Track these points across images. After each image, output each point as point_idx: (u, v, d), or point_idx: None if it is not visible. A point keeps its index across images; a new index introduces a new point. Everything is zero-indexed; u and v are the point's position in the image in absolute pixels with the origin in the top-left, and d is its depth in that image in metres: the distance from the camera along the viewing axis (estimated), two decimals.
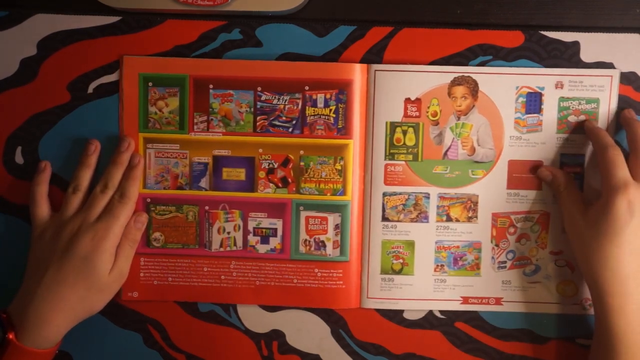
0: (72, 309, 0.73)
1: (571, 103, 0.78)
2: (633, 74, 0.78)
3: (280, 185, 0.79)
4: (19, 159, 0.80)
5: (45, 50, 0.79)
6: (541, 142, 0.78)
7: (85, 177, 0.77)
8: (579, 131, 0.78)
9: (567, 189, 0.76)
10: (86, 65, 0.79)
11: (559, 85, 0.78)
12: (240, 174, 0.79)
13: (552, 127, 0.78)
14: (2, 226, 0.80)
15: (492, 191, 0.79)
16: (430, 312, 0.81)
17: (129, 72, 0.78)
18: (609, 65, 0.78)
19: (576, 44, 0.78)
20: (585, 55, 0.78)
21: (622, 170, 0.71)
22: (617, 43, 0.78)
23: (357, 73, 0.78)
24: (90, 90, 0.79)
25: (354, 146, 0.78)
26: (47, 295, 0.72)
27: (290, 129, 0.78)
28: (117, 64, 0.79)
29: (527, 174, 0.79)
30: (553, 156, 0.78)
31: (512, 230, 0.79)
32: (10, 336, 0.70)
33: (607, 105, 0.78)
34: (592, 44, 0.78)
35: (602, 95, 0.78)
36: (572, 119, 0.78)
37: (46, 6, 0.79)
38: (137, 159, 0.77)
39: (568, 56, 0.78)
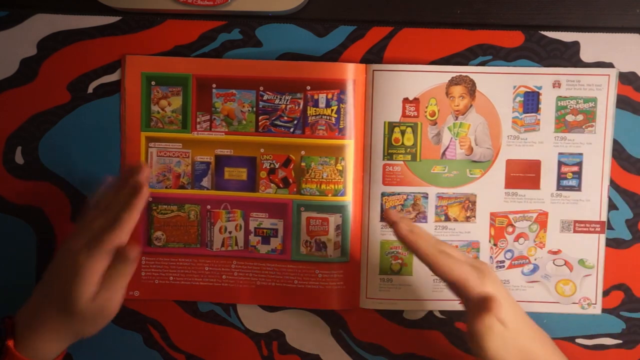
0: (56, 330, 0.72)
1: (569, 102, 0.82)
2: (633, 73, 0.82)
3: (281, 185, 0.83)
4: (19, 159, 0.84)
5: (45, 50, 0.83)
6: (539, 141, 0.82)
7: (128, 217, 0.71)
8: (576, 130, 0.82)
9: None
10: (86, 65, 0.83)
11: (556, 85, 0.82)
12: (242, 173, 0.83)
13: (549, 126, 0.82)
14: (1, 226, 0.84)
15: (490, 191, 0.83)
16: (430, 312, 0.84)
17: (131, 71, 0.83)
18: (609, 65, 0.82)
19: (576, 44, 0.82)
20: (585, 55, 0.82)
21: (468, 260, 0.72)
22: (617, 43, 0.82)
23: (356, 73, 0.81)
24: (90, 90, 0.83)
25: (353, 146, 0.82)
26: (36, 311, 0.73)
27: (291, 129, 0.82)
28: (117, 64, 0.83)
29: (525, 174, 0.82)
30: (550, 155, 0.82)
31: (510, 229, 0.83)
32: (9, 343, 0.71)
33: (604, 104, 0.82)
34: (592, 44, 0.82)
35: (599, 94, 0.82)
36: (569, 118, 0.82)
37: (46, 6, 0.83)
38: (142, 187, 0.73)
39: (568, 56, 0.82)
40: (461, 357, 0.85)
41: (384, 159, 0.83)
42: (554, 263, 0.84)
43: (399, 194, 0.83)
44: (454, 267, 0.70)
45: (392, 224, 0.73)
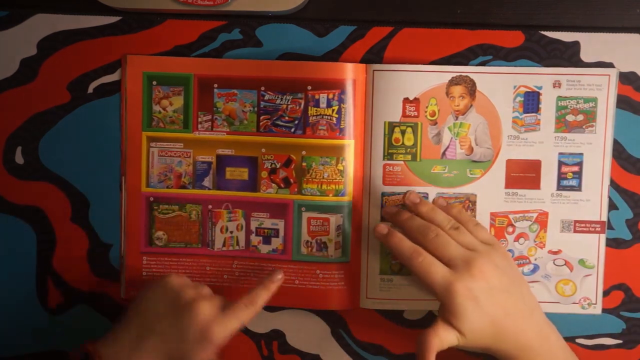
0: None
1: (569, 102, 0.83)
2: (633, 73, 0.84)
3: (282, 185, 0.84)
4: (19, 159, 0.85)
5: (45, 50, 0.85)
6: (539, 141, 0.83)
7: (263, 298, 0.79)
8: (577, 130, 0.83)
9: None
10: (86, 65, 0.85)
11: (556, 85, 0.83)
12: (243, 173, 0.84)
13: (550, 126, 0.83)
14: (1, 226, 0.86)
15: (490, 191, 0.84)
16: (430, 312, 0.86)
17: (132, 71, 0.84)
18: (609, 65, 0.83)
19: (576, 44, 0.83)
20: (585, 55, 0.83)
21: (438, 272, 0.75)
22: (617, 43, 0.83)
23: (356, 73, 0.83)
24: (90, 90, 0.85)
25: (353, 146, 0.84)
26: (131, 354, 0.75)
27: (292, 129, 0.83)
28: (117, 64, 0.85)
29: (525, 174, 0.84)
30: (551, 155, 0.84)
31: (510, 229, 0.85)
32: None
33: (605, 104, 0.83)
34: (592, 44, 0.83)
35: (600, 94, 0.83)
36: (570, 118, 0.83)
37: (46, 6, 0.85)
38: (279, 276, 0.82)
39: (568, 56, 0.83)
40: (461, 357, 0.87)
41: (384, 159, 0.84)
42: (554, 263, 0.85)
43: (399, 194, 0.85)
44: (423, 272, 0.75)
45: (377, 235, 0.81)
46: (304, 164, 0.84)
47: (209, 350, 0.75)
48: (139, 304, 0.79)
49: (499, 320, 0.74)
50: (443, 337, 0.74)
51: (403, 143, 0.84)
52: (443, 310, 0.75)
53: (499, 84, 0.84)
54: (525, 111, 0.84)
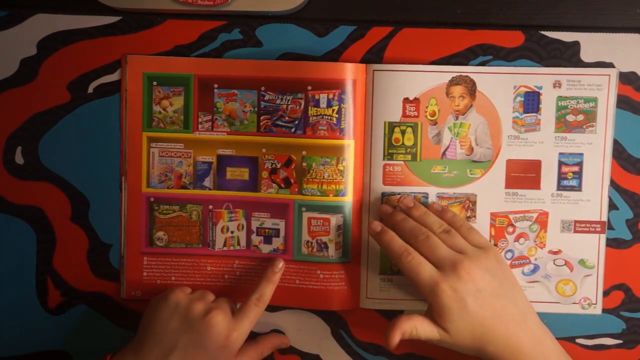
0: None
1: (569, 102, 0.84)
2: (633, 73, 0.84)
3: (282, 185, 0.85)
4: (19, 159, 0.86)
5: (45, 50, 0.85)
6: (539, 141, 0.84)
7: (269, 291, 0.82)
8: (577, 130, 0.84)
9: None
10: (86, 65, 0.85)
11: (556, 85, 0.83)
12: (244, 173, 0.85)
13: (550, 126, 0.84)
14: (1, 226, 0.86)
15: (490, 191, 0.84)
16: None
17: (132, 71, 0.84)
18: (609, 65, 0.84)
19: (576, 44, 0.84)
20: (585, 55, 0.84)
21: (426, 271, 0.76)
22: (617, 43, 0.84)
23: (356, 73, 0.83)
24: (90, 90, 0.85)
25: (353, 146, 0.84)
26: None
27: (292, 129, 0.84)
28: (117, 64, 0.85)
29: (525, 174, 0.84)
30: (551, 155, 0.84)
31: (510, 229, 0.85)
32: None
33: (605, 104, 0.83)
34: (592, 44, 0.84)
35: (600, 94, 0.83)
36: (570, 118, 0.84)
37: (46, 6, 0.85)
38: (280, 265, 0.84)
39: (568, 56, 0.84)
40: (461, 357, 0.85)
41: (384, 159, 0.85)
42: (554, 263, 0.86)
43: (399, 194, 0.85)
44: (412, 272, 0.77)
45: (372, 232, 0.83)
46: (304, 164, 0.84)
47: (232, 355, 0.79)
48: (150, 324, 0.80)
49: (488, 322, 0.75)
50: (419, 327, 0.76)
51: (403, 143, 0.85)
52: (430, 309, 0.77)
53: (499, 84, 0.84)
54: (526, 111, 0.84)
